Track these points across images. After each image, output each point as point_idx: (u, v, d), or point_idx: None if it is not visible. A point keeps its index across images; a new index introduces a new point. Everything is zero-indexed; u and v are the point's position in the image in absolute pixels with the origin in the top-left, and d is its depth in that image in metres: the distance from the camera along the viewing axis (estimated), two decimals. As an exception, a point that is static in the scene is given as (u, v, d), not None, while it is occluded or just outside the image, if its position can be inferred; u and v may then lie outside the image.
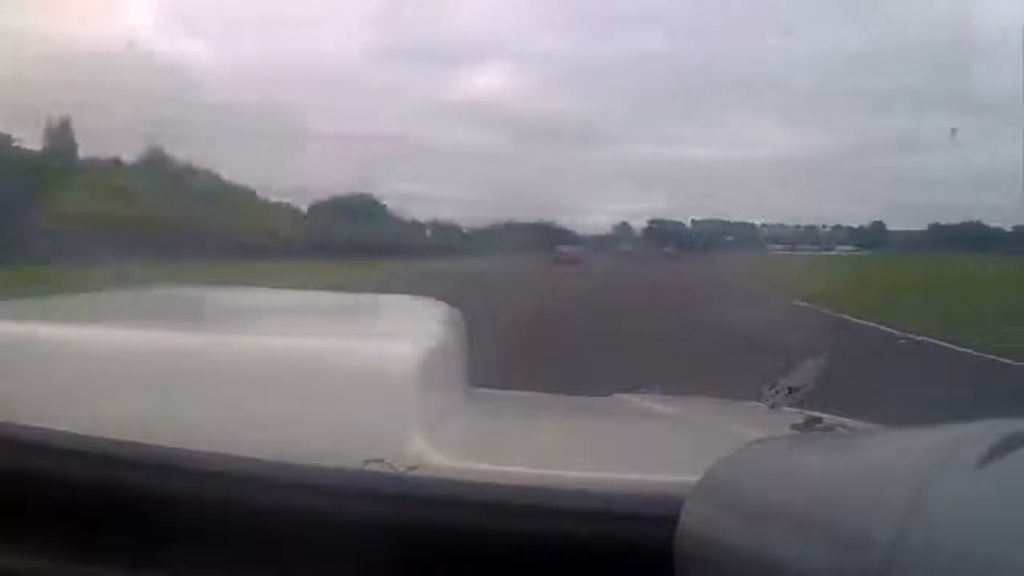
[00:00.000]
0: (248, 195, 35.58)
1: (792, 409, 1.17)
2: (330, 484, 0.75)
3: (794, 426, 0.99)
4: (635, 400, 1.46)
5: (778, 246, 69.59)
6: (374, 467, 0.77)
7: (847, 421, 1.04)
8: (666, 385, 1.61)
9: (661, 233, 68.84)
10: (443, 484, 0.76)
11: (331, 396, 0.86)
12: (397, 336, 1.16)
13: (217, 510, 0.75)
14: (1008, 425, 0.51)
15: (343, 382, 0.88)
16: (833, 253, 63.41)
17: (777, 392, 1.22)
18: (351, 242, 31.47)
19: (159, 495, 0.76)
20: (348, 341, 1.08)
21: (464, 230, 54.21)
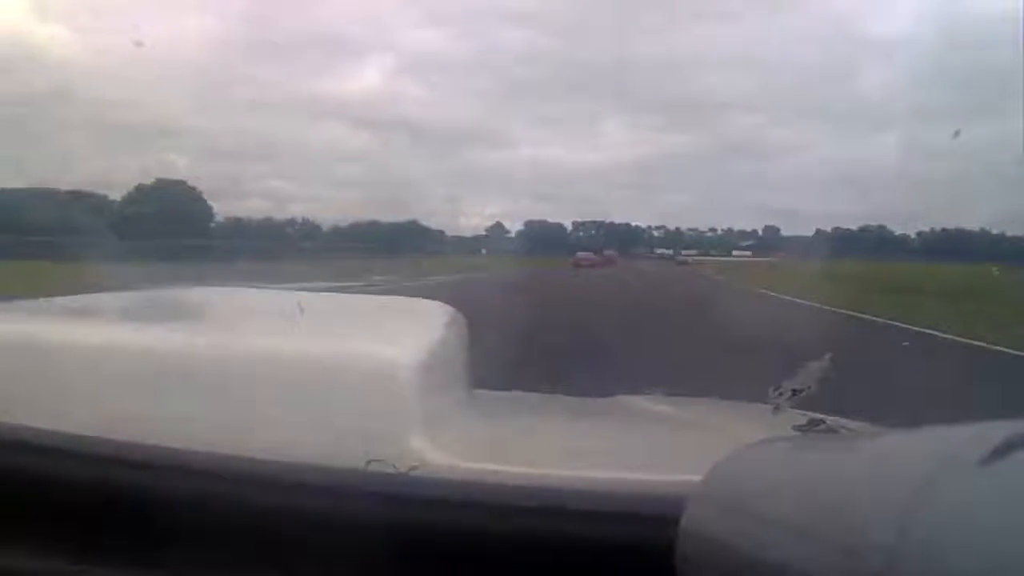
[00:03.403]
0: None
1: (795, 410, 1.17)
2: (331, 484, 0.75)
3: (796, 427, 0.99)
4: (637, 401, 1.46)
5: (667, 250, 71.65)
6: (375, 467, 0.77)
7: (849, 422, 1.03)
8: (669, 386, 1.60)
9: (538, 235, 70.13)
10: (444, 484, 0.76)
11: (332, 397, 0.86)
12: (398, 337, 1.16)
13: (217, 510, 0.74)
14: (1010, 426, 0.51)
15: (344, 383, 0.88)
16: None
17: (780, 394, 1.22)
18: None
19: (159, 495, 0.76)
20: (349, 342, 1.08)
21: (325, 229, 53.33)
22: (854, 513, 0.48)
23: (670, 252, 72.57)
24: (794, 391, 1.21)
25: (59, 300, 1.42)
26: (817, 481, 0.59)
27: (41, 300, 1.36)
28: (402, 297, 1.82)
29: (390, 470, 0.77)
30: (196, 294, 1.72)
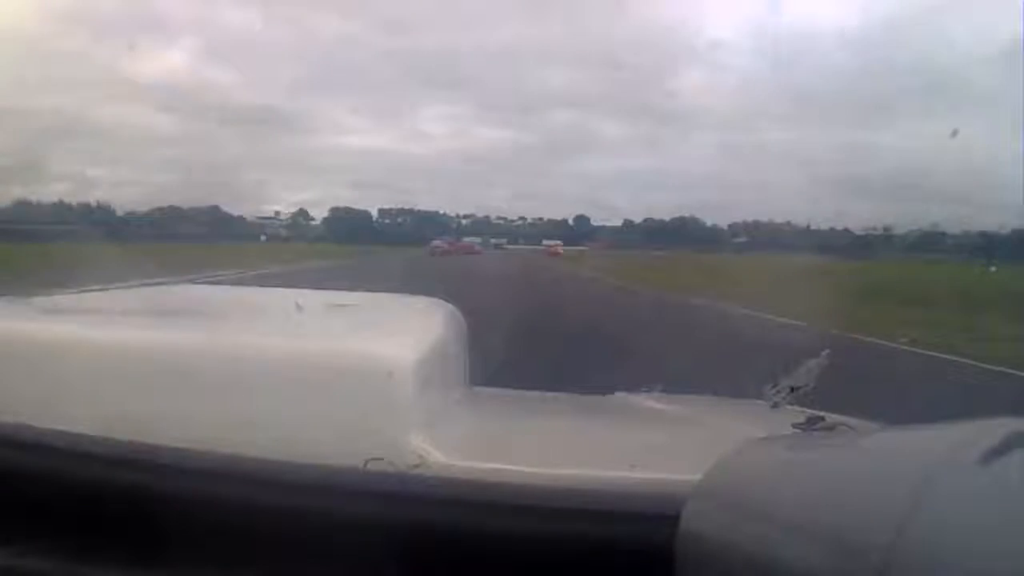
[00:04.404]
0: None
1: (794, 408, 1.17)
2: (331, 483, 0.75)
3: (795, 425, 0.99)
4: (636, 399, 1.46)
5: (476, 239, 73.06)
6: (375, 466, 0.77)
7: (848, 420, 1.03)
8: (667, 384, 1.60)
9: (344, 222, 71.77)
10: (443, 483, 0.76)
11: (332, 396, 0.86)
12: (398, 335, 1.16)
13: (217, 510, 0.74)
14: (1009, 425, 0.51)
15: (344, 382, 0.88)
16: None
17: (779, 391, 1.22)
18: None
19: (159, 495, 0.76)
20: (349, 341, 1.08)
21: (121, 214, 52.27)
22: (853, 511, 0.49)
23: (479, 240, 74.76)
24: (792, 388, 1.22)
25: (59, 299, 1.41)
26: (816, 479, 0.59)
27: (41, 299, 1.36)
28: (400, 295, 1.82)
29: (389, 469, 0.77)
30: (195, 292, 1.72)
